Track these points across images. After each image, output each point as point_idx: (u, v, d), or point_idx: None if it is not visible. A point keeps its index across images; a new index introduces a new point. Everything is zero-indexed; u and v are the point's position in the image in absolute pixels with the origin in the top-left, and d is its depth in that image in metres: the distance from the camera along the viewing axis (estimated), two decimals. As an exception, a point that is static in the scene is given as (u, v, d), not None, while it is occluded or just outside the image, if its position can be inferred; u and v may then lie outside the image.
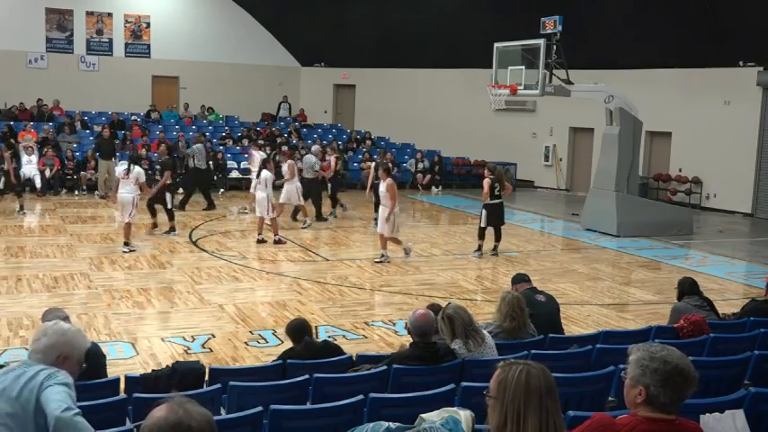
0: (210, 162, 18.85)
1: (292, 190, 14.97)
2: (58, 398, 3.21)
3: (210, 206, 17.18)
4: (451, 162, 24.06)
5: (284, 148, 19.15)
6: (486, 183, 12.91)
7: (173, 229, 13.95)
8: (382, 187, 12.23)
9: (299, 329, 5.79)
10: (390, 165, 14.58)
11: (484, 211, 12.97)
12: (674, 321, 7.16)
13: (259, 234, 13.53)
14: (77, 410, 3.18)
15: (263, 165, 13.95)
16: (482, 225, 13.00)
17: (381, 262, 12.10)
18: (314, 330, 7.02)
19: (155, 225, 14.10)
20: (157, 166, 14.28)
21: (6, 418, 3.26)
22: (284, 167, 15.16)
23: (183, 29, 25.92)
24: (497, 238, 13.10)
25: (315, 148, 17.48)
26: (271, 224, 13.50)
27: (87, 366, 4.83)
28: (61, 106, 23.72)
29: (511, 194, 14.51)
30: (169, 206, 13.95)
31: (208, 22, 26.32)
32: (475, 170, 23.19)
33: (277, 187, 14.21)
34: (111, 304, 9.32)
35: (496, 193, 12.92)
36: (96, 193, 19.06)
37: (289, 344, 6.01)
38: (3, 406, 3.29)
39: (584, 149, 22.85)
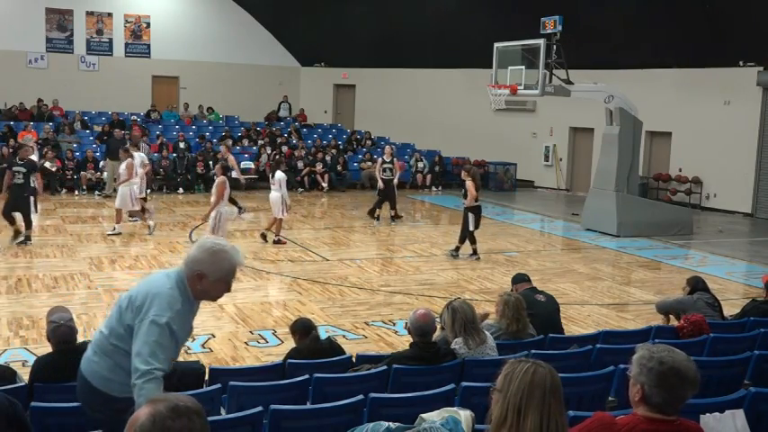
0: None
1: (126, 194, 13.76)
2: (144, 352, 3.35)
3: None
4: (451, 162, 24.06)
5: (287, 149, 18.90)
6: (472, 185, 12.58)
7: (28, 238, 12.45)
8: (215, 184, 11.75)
9: (305, 327, 5.82)
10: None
11: (471, 215, 12.60)
12: (676, 306, 7.21)
13: (277, 235, 13.48)
14: (152, 374, 3.32)
15: (277, 166, 13.89)
16: (472, 228, 12.69)
17: None
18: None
19: (17, 232, 12.40)
20: (22, 169, 12.29)
21: (122, 304, 3.55)
22: (122, 167, 14.01)
23: (183, 29, 25.91)
24: (473, 241, 12.82)
25: (387, 148, 17.41)
26: (274, 223, 13.50)
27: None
28: (61, 106, 23.72)
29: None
30: (31, 213, 12.65)
31: (208, 22, 26.32)
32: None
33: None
34: (111, 304, 9.31)
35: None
36: (97, 193, 19.08)
37: (291, 343, 6.02)
38: (128, 294, 3.57)
39: (584, 149, 22.85)
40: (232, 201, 16.62)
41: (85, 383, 3.59)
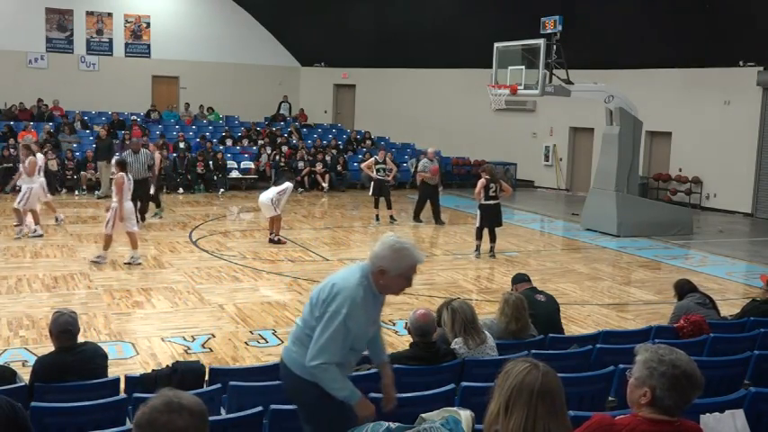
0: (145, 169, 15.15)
1: (38, 191, 13.28)
2: (316, 347, 3.67)
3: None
4: (451, 162, 24.05)
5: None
6: (480, 183, 12.81)
7: None
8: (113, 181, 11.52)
9: None
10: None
11: (478, 212, 12.99)
12: (676, 320, 7.16)
13: (276, 235, 13.45)
14: (320, 368, 3.66)
15: (288, 179, 13.79)
16: (477, 225, 13.01)
17: (98, 262, 11.30)
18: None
19: None
20: None
21: (312, 298, 3.84)
22: (25, 164, 13.44)
23: (183, 29, 25.91)
24: (492, 239, 12.98)
25: (430, 150, 17.37)
26: (274, 224, 13.49)
27: (88, 367, 4.86)
28: (61, 106, 23.72)
29: (511, 194, 14.32)
30: None
31: (208, 22, 26.31)
32: (475, 170, 23.14)
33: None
34: (111, 304, 9.32)
35: (491, 193, 12.84)
36: (97, 193, 19.09)
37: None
38: (318, 287, 3.86)
39: (584, 149, 22.85)
40: (155, 199, 15.83)
41: (287, 371, 3.90)
